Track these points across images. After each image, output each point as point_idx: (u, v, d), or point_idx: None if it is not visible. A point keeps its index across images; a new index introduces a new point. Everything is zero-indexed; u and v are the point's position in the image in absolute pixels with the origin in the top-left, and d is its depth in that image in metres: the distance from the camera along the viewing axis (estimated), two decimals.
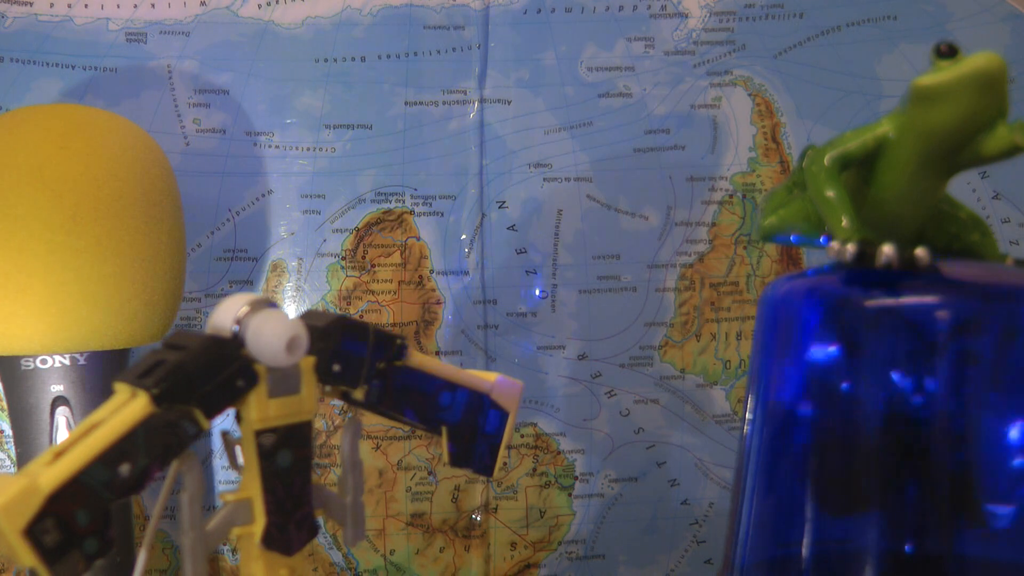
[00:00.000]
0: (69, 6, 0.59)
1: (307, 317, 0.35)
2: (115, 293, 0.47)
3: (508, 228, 0.62)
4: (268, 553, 0.35)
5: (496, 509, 0.63)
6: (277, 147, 0.61)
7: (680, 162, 0.63)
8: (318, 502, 0.36)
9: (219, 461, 0.61)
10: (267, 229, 0.61)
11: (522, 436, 0.63)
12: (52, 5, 0.59)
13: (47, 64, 0.59)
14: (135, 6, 0.60)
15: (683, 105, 0.63)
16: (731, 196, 0.64)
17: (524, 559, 0.63)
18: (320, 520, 0.36)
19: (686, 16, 0.63)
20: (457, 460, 0.39)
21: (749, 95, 0.64)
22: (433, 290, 0.62)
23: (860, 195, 0.41)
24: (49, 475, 0.29)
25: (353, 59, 0.62)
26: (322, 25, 0.61)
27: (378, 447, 0.62)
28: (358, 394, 0.36)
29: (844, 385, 0.41)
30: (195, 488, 0.33)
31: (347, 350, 0.36)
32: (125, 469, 0.30)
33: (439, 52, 0.62)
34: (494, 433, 0.40)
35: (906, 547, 0.39)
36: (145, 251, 0.48)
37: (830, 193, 0.40)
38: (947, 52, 0.38)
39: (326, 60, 0.61)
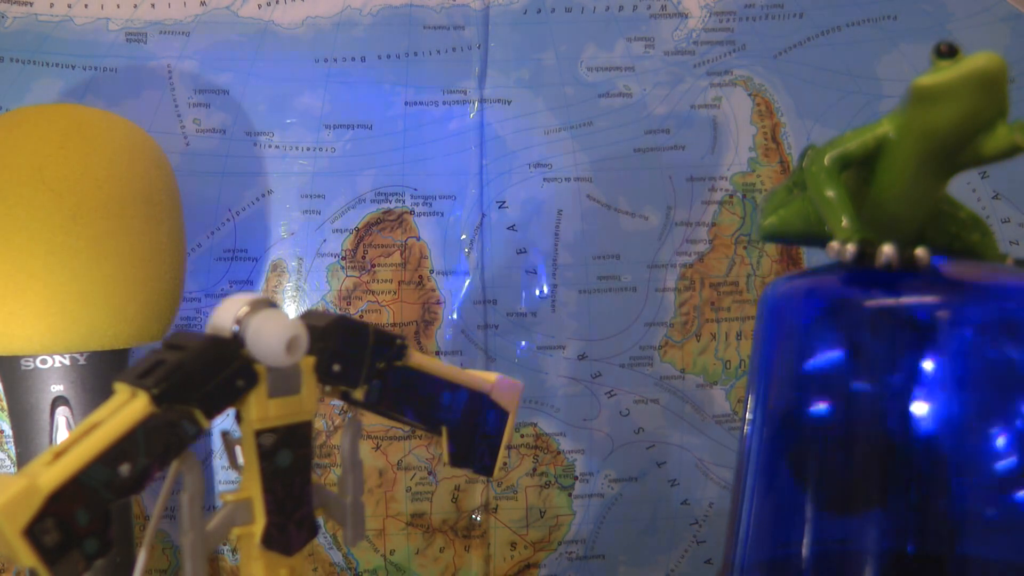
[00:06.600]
0: (69, 6, 0.59)
1: (307, 317, 0.35)
2: (115, 293, 0.47)
3: (508, 228, 0.62)
4: (268, 553, 0.35)
5: (496, 509, 0.63)
6: (277, 147, 0.61)
7: (680, 162, 0.63)
8: (318, 502, 0.36)
9: (219, 461, 0.61)
10: (267, 229, 0.61)
11: (522, 436, 0.63)
12: (52, 5, 0.59)
13: (47, 64, 0.59)
14: (135, 6, 0.60)
15: (683, 105, 0.63)
16: (731, 196, 0.64)
17: (524, 559, 0.63)
18: (320, 520, 0.36)
19: (686, 16, 0.63)
20: (457, 460, 0.39)
21: (749, 95, 0.64)
22: (433, 290, 0.62)
23: (860, 195, 0.41)
24: (49, 475, 0.29)
25: (353, 59, 0.62)
26: (322, 25, 0.61)
27: (378, 447, 0.62)
28: (358, 394, 0.36)
29: (844, 385, 0.41)
30: (195, 488, 0.33)
31: (347, 350, 0.36)
32: (125, 469, 0.30)
33: (439, 52, 0.62)
34: (494, 433, 0.40)
35: (906, 547, 0.39)
36: (145, 251, 0.48)
37: (830, 193, 0.40)
38: (947, 52, 0.38)
39: (326, 60, 0.61)
